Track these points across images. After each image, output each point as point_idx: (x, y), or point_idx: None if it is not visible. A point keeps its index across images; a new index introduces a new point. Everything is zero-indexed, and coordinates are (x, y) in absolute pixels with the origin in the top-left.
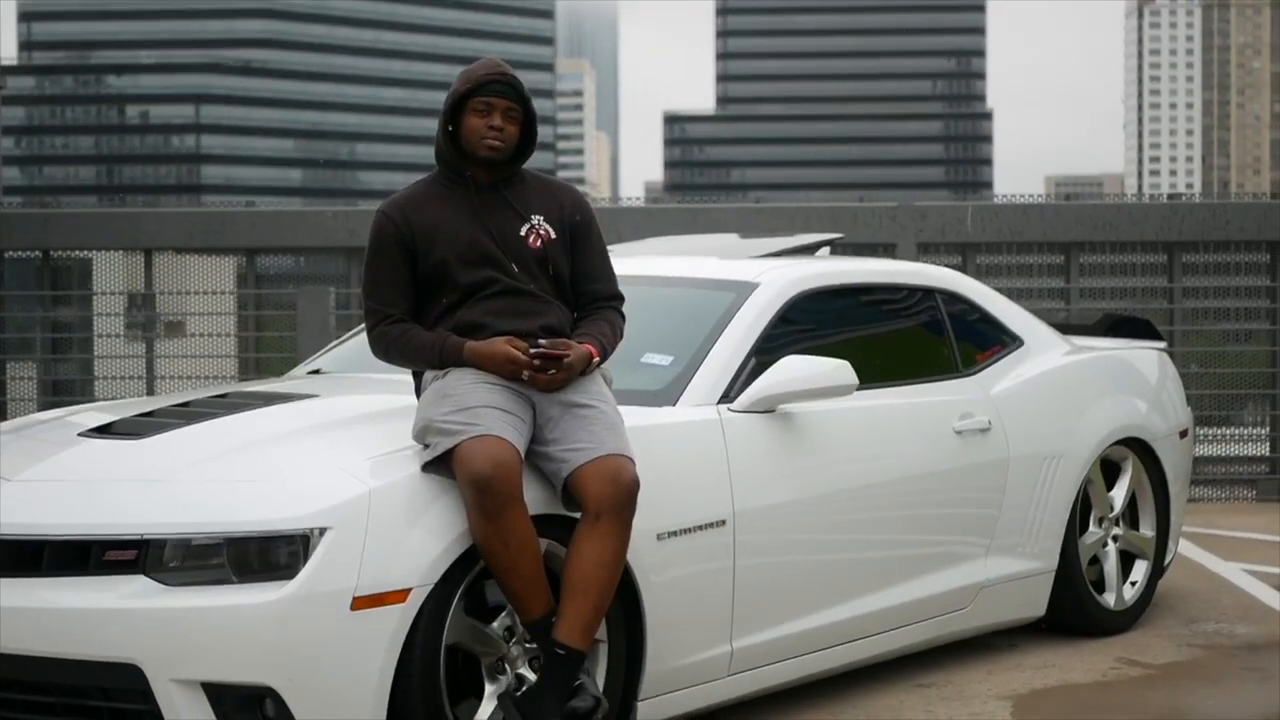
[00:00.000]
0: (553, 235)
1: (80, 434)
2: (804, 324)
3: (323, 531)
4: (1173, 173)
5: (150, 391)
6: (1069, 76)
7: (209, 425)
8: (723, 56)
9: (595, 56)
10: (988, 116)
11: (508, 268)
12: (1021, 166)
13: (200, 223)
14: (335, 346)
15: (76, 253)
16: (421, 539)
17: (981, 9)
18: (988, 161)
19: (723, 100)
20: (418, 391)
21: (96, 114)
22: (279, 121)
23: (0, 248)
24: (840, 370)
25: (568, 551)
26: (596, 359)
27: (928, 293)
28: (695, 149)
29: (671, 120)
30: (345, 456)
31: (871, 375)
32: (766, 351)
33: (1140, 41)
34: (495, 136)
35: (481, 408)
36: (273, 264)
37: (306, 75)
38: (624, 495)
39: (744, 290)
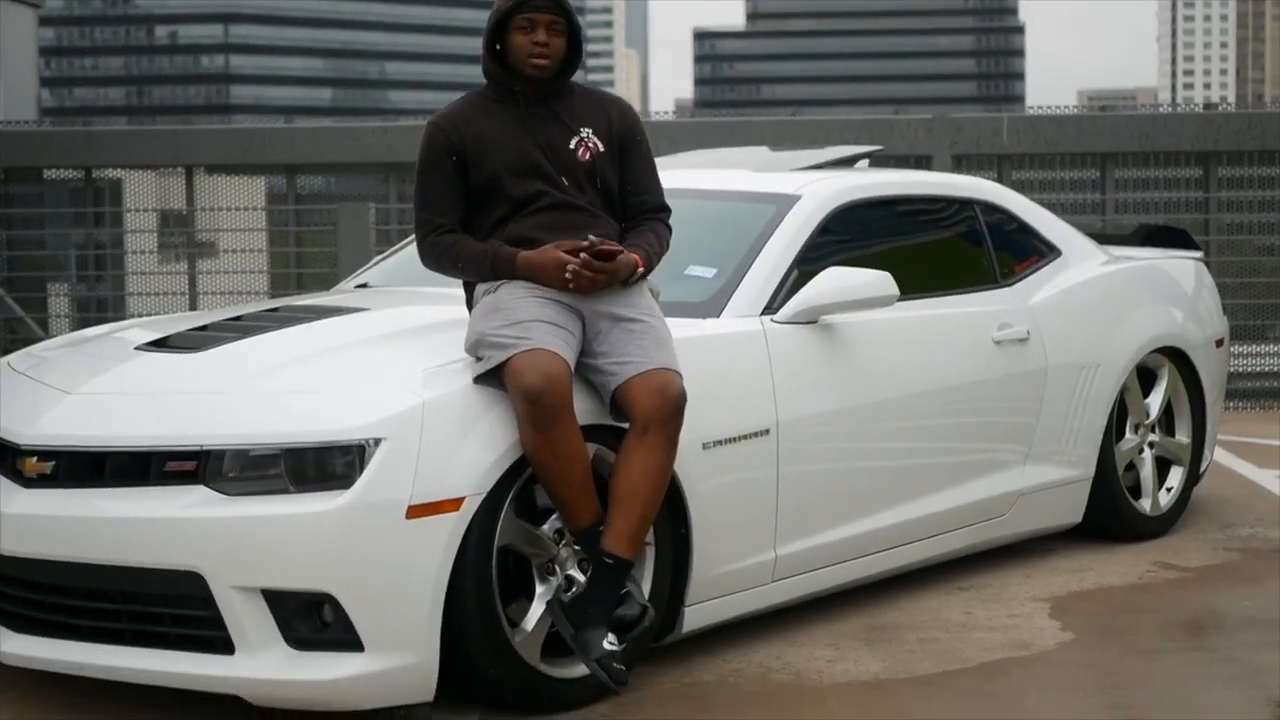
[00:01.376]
0: (601, 148)
1: (137, 348)
2: (845, 236)
3: (378, 442)
4: (1206, 86)
5: (192, 309)
6: None
7: (263, 339)
8: None
9: None
10: (1019, 30)
11: (557, 180)
12: (1054, 81)
13: (241, 140)
14: (381, 260)
15: (111, 172)
16: (474, 449)
17: None
18: (1020, 76)
19: (752, 16)
20: (469, 304)
21: (125, 34)
22: (308, 40)
23: (40, 166)
24: (881, 281)
25: (615, 462)
26: (641, 269)
27: (966, 204)
28: (725, 65)
29: (701, 36)
30: (398, 368)
31: (912, 286)
32: (808, 264)
33: None
34: (541, 53)
35: (533, 322)
36: (308, 183)
37: None
38: (671, 408)
39: (785, 203)
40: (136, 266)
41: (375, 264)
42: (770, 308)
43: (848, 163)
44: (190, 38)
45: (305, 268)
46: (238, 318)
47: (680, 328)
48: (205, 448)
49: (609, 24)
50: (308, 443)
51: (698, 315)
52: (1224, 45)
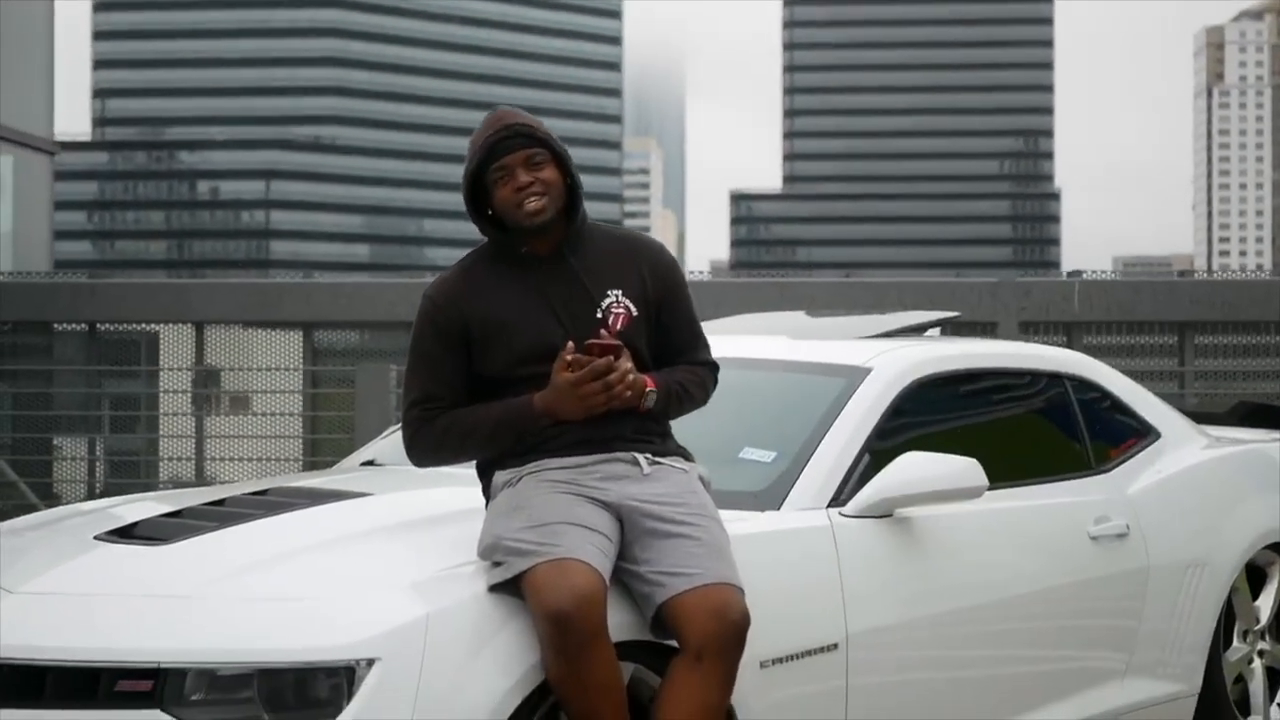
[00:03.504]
0: (634, 312)
1: (96, 536)
2: (922, 415)
3: (371, 663)
4: (1242, 253)
5: (199, 472)
6: (1137, 157)
7: (243, 529)
8: (790, 135)
9: (662, 135)
10: (1055, 197)
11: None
12: (1089, 247)
13: (255, 295)
14: (393, 433)
15: (138, 325)
16: (486, 673)
17: (1050, 89)
18: (1055, 241)
19: (789, 179)
20: (486, 496)
21: (168, 189)
22: (347, 198)
23: (48, 320)
24: (969, 470)
25: (659, 691)
26: (651, 389)
27: (1056, 378)
28: (761, 227)
29: (738, 198)
30: (399, 571)
31: (998, 473)
32: (881, 446)
33: (1209, 122)
34: (531, 194)
35: (560, 524)
36: (337, 339)
37: (374, 152)
38: (731, 634)
39: (855, 376)
40: (159, 427)
41: (387, 436)
42: (838, 499)
43: (918, 330)
44: (232, 193)
45: (327, 431)
46: (219, 502)
47: (735, 522)
48: (163, 665)
49: (646, 185)
50: (286, 662)
51: (754, 507)
52: (1259, 213)
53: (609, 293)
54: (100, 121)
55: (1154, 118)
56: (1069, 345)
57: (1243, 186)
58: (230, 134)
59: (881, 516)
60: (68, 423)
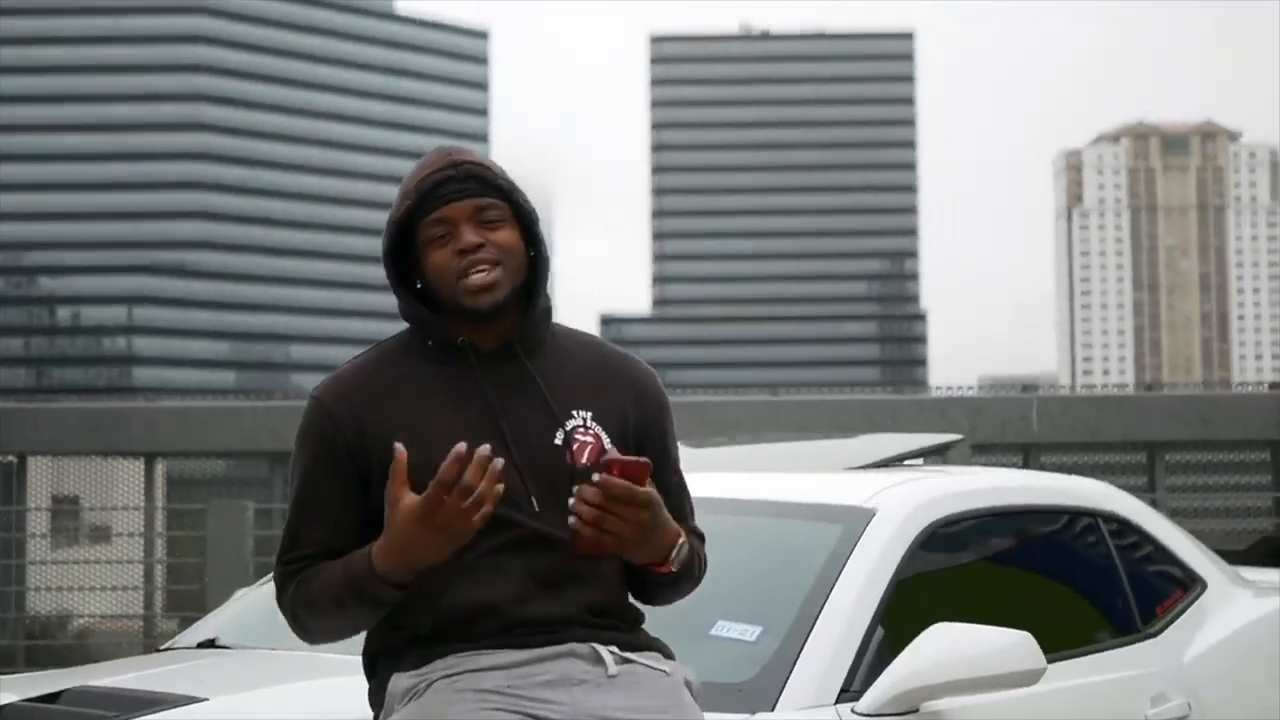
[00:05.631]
0: (606, 443)
1: None
2: (941, 569)
3: None
4: (1105, 371)
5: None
6: (1000, 276)
7: None
8: (659, 258)
9: None
10: (922, 317)
11: (525, 504)
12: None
13: (91, 421)
14: (244, 596)
15: None
16: None
17: (914, 211)
18: (922, 362)
19: (659, 302)
20: (374, 708)
21: (28, 315)
22: (212, 323)
23: None
24: (1020, 647)
25: None
26: (682, 541)
27: (1088, 517)
28: (632, 350)
29: (608, 322)
30: None
31: (1039, 643)
32: (897, 614)
33: (1070, 243)
34: (480, 260)
35: None
36: (195, 468)
37: (240, 277)
38: None
39: (855, 520)
40: None
41: (237, 599)
42: (848, 689)
43: (913, 458)
44: (93, 319)
45: (173, 579)
46: None
47: None
48: None
49: None
50: None
51: (740, 708)
52: (1120, 332)
53: (576, 413)
54: None
55: (1015, 239)
56: (1025, 468)
57: (1104, 306)
58: (92, 259)
59: (906, 713)
60: None
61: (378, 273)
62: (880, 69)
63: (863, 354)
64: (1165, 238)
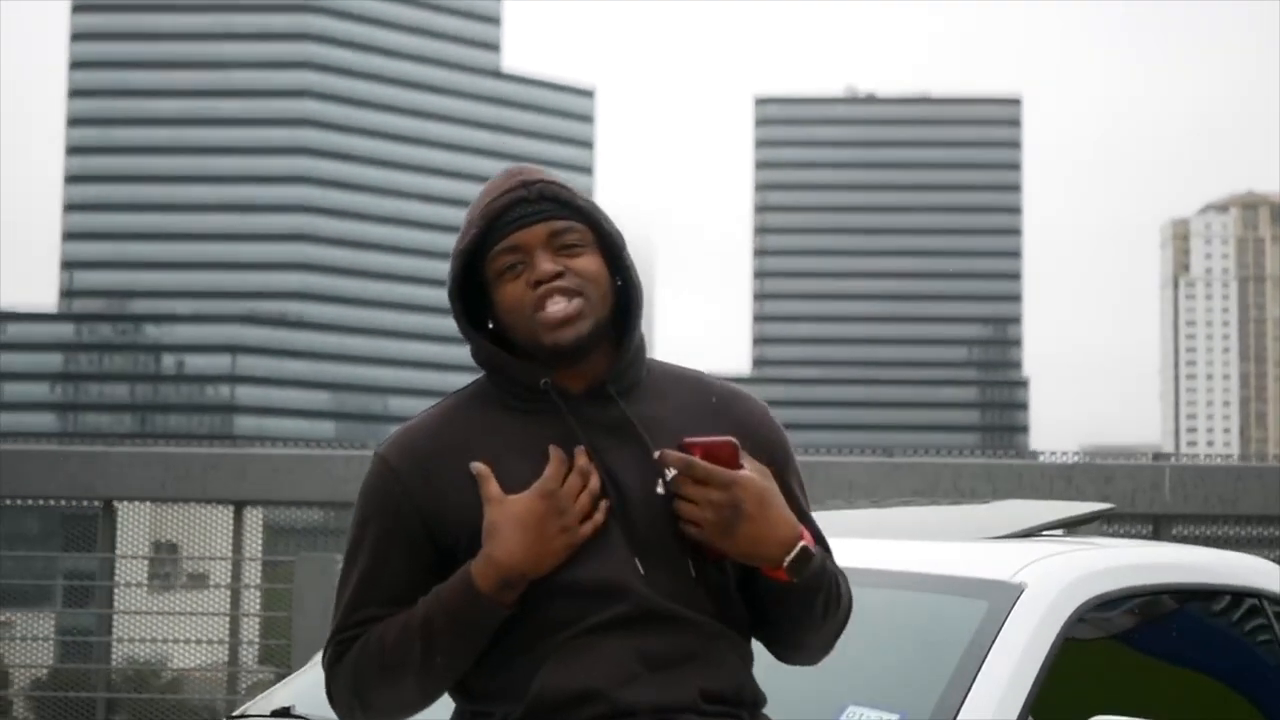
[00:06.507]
0: None
1: None
2: (1093, 654)
3: None
4: (1209, 444)
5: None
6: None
7: None
8: (759, 319)
9: None
10: (1024, 384)
11: (629, 569)
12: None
13: (176, 466)
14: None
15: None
16: None
17: (1018, 277)
18: (1024, 429)
19: (758, 363)
20: None
21: (133, 362)
22: (313, 374)
23: None
24: None
25: None
26: (804, 542)
27: (1250, 598)
28: None
29: None
30: None
31: None
32: (1048, 701)
33: (1176, 313)
34: (561, 289)
35: None
36: (293, 517)
37: (341, 328)
38: None
39: (1003, 595)
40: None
41: (316, 665)
42: None
43: (1039, 529)
44: (196, 368)
45: (266, 636)
46: None
47: None
48: None
49: None
50: None
51: None
52: (1226, 404)
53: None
54: (67, 294)
55: (1120, 307)
56: (1156, 540)
57: (1209, 377)
58: (196, 308)
59: None
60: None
61: None
62: (986, 134)
63: (963, 419)
64: (1273, 309)
